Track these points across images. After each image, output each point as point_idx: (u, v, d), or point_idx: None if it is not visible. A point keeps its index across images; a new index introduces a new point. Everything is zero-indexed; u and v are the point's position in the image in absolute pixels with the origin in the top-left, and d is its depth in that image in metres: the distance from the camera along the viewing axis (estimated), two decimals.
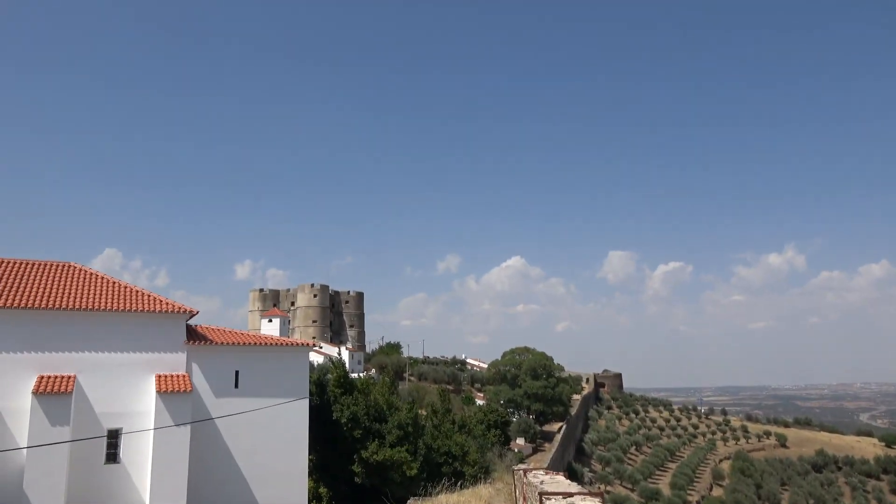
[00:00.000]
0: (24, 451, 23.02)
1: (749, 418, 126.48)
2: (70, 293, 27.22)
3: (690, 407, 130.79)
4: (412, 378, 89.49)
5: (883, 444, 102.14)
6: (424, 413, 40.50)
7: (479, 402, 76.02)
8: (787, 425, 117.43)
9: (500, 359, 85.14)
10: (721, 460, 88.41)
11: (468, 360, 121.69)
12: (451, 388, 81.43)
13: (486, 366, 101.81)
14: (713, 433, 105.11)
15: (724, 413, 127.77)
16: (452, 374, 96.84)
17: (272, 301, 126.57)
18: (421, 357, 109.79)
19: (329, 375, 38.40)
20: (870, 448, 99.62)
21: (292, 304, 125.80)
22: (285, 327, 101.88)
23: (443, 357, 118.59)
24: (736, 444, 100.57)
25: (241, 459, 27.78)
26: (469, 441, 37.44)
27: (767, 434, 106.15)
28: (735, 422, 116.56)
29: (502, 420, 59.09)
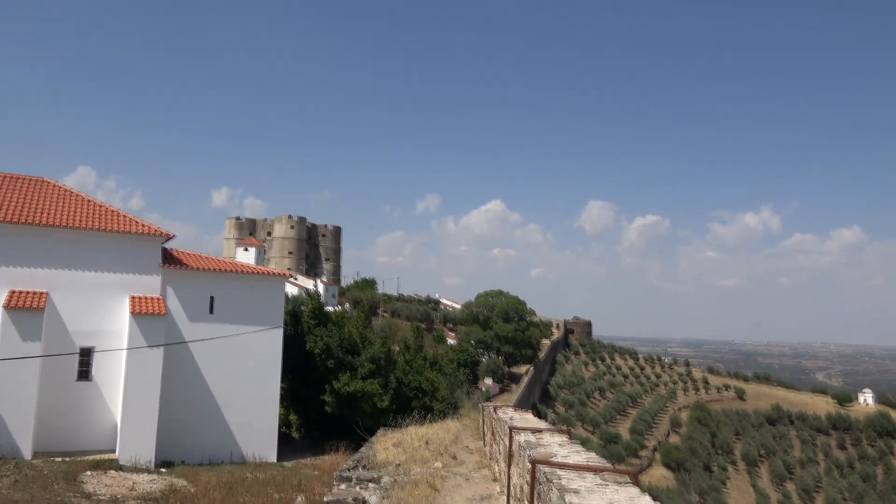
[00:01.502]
0: None
1: (710, 371, 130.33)
2: (44, 209, 26.70)
3: (655, 357, 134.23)
4: (386, 314, 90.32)
5: (835, 401, 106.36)
6: (397, 349, 41.04)
7: (451, 341, 77.22)
8: (746, 380, 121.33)
9: (473, 300, 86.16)
10: (680, 409, 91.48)
11: (442, 300, 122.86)
12: (423, 326, 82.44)
13: (459, 306, 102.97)
14: (675, 383, 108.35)
15: (687, 364, 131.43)
16: (426, 312, 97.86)
17: (248, 230, 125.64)
18: (395, 294, 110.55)
19: (303, 307, 38.56)
20: (822, 405, 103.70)
21: (269, 234, 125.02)
22: (261, 257, 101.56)
23: (417, 296, 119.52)
24: (696, 394, 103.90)
25: (214, 384, 28.05)
26: (439, 378, 38.13)
27: (727, 387, 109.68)
28: (697, 373, 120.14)
29: (472, 360, 60.21)
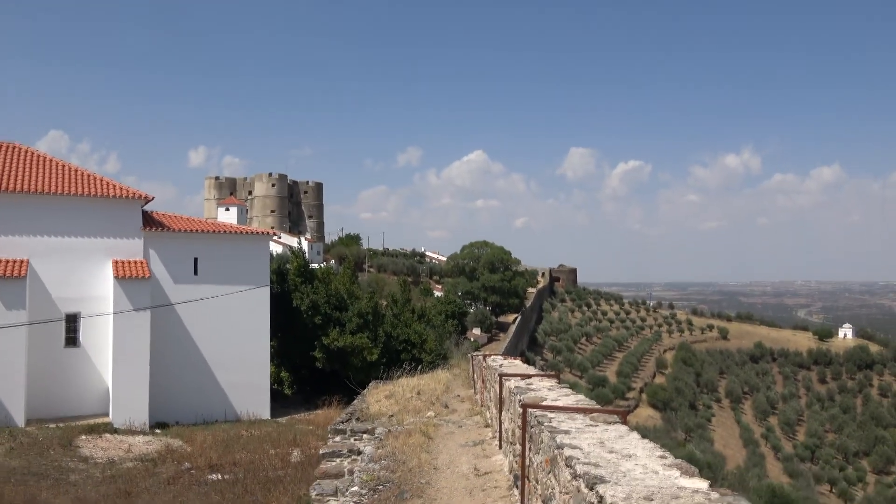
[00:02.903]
0: None
1: (694, 312, 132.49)
2: (18, 175, 26.16)
3: (640, 301, 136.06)
4: (372, 270, 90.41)
5: (816, 337, 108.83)
6: (384, 303, 41.22)
7: (438, 293, 77.66)
8: (729, 319, 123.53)
9: (459, 252, 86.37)
10: (665, 351, 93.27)
11: (428, 254, 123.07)
12: (410, 280, 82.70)
13: (445, 259, 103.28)
14: (660, 326, 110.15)
15: (672, 307, 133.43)
16: (412, 266, 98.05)
17: (229, 189, 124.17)
18: (381, 249, 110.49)
19: (289, 265, 38.45)
20: (804, 341, 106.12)
21: (249, 193, 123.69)
22: (243, 216, 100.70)
23: (402, 250, 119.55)
24: (680, 336, 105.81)
25: (203, 345, 28.12)
26: (427, 330, 38.45)
27: (710, 327, 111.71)
28: (681, 315, 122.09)
29: (460, 311, 60.70)
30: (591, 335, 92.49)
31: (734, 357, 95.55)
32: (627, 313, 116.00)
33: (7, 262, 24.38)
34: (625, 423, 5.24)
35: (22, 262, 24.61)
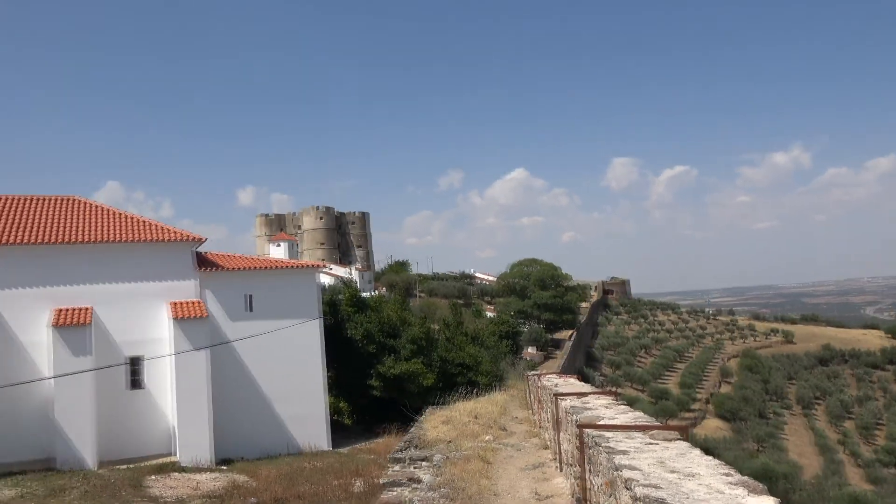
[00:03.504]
0: (51, 381, 23.70)
1: (756, 317, 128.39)
2: (78, 227, 27.27)
3: (698, 309, 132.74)
4: (422, 294, 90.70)
5: (889, 335, 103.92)
6: (437, 327, 41.23)
7: (490, 314, 77.27)
8: (793, 322, 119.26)
9: (507, 271, 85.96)
10: (728, 359, 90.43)
11: (477, 275, 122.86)
12: (461, 302, 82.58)
13: (494, 279, 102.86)
14: (720, 333, 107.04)
15: (732, 313, 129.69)
16: (462, 288, 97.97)
17: (278, 226, 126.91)
18: (430, 274, 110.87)
19: (340, 295, 38.89)
20: (875, 340, 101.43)
21: (298, 227, 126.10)
22: (293, 251, 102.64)
23: (451, 273, 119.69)
24: (743, 342, 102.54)
25: (262, 380, 28.56)
26: (482, 352, 38.23)
27: (774, 331, 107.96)
28: (742, 321, 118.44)
29: (513, 331, 60.14)
30: (650, 347, 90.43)
31: (802, 361, 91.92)
32: (686, 322, 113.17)
33: (72, 310, 25.33)
34: (685, 439, 5.05)
35: (86, 309, 25.54)
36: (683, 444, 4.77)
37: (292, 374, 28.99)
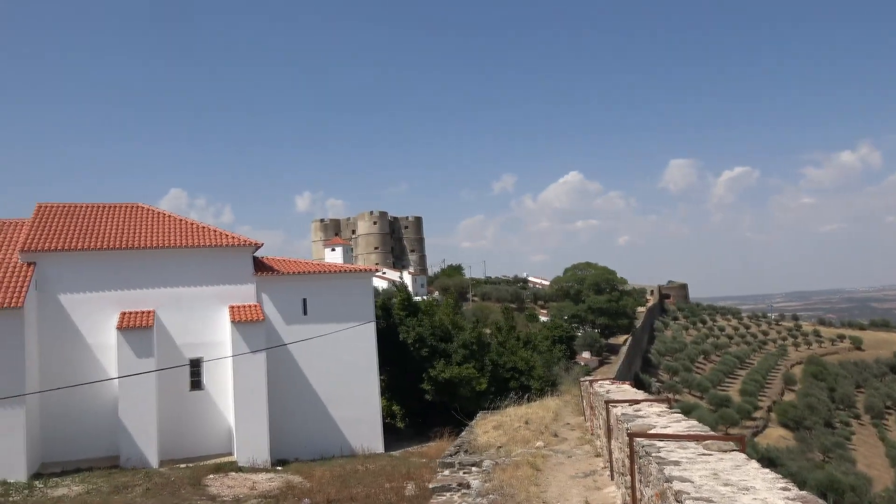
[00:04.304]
0: (116, 381, 24.61)
1: (822, 322, 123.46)
2: (142, 233, 28.28)
3: (760, 314, 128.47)
4: (475, 298, 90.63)
5: None
6: (489, 331, 41.09)
7: (543, 318, 76.61)
8: (862, 328, 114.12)
9: (562, 275, 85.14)
10: (792, 366, 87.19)
11: (530, 279, 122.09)
12: (514, 306, 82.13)
13: (548, 283, 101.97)
14: (784, 339, 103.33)
15: (796, 318, 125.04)
16: (515, 292, 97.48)
17: (333, 230, 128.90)
18: (483, 278, 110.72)
19: (393, 299, 39.19)
20: None
21: (353, 232, 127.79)
22: (348, 255, 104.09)
23: (505, 277, 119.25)
24: (808, 349, 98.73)
25: (317, 383, 29.00)
26: (535, 356, 37.92)
27: (841, 337, 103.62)
28: (807, 327, 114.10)
29: (567, 335, 59.41)
30: (709, 353, 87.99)
31: (871, 368, 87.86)
32: (747, 328, 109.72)
33: (136, 313, 26.27)
34: (742, 450, 4.85)
35: (149, 312, 26.45)
36: (740, 456, 4.58)
37: (346, 377, 29.34)
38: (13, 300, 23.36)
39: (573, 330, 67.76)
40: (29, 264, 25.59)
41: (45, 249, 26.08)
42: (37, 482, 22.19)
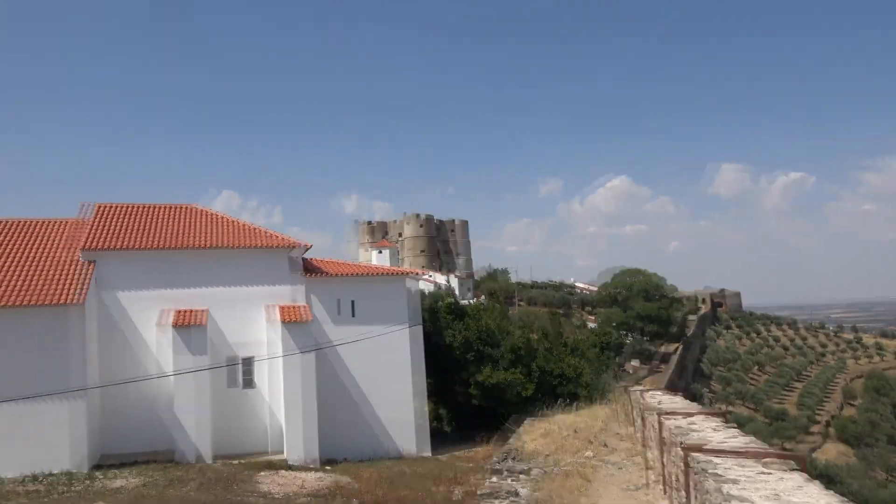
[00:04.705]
0: (171, 378, 25.32)
1: (884, 335, 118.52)
2: (195, 233, 29.07)
3: (817, 324, 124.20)
4: (521, 303, 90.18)
5: None
6: (536, 337, 40.83)
7: (591, 325, 75.73)
8: None
9: (610, 281, 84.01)
10: (852, 379, 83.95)
11: (577, 284, 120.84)
12: (561, 312, 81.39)
13: (595, 289, 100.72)
14: (843, 351, 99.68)
15: (856, 330, 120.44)
16: (562, 298, 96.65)
17: (380, 233, 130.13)
18: (529, 282, 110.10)
19: (440, 303, 39.30)
20: None
21: (399, 234, 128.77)
22: (395, 258, 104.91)
23: (551, 281, 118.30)
24: (869, 362, 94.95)
25: (364, 383, 29.27)
26: (582, 363, 37.50)
27: None
28: (868, 339, 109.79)
29: (615, 342, 58.65)
30: (764, 364, 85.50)
31: None
32: (804, 339, 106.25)
33: (190, 311, 26.99)
34: (804, 469, 4.68)
35: (203, 311, 27.14)
36: (801, 476, 4.42)
37: (393, 379, 29.53)
38: (76, 297, 24.29)
39: (622, 337, 66.80)
40: (90, 262, 26.57)
41: (104, 248, 27.04)
42: (97, 473, 22.98)
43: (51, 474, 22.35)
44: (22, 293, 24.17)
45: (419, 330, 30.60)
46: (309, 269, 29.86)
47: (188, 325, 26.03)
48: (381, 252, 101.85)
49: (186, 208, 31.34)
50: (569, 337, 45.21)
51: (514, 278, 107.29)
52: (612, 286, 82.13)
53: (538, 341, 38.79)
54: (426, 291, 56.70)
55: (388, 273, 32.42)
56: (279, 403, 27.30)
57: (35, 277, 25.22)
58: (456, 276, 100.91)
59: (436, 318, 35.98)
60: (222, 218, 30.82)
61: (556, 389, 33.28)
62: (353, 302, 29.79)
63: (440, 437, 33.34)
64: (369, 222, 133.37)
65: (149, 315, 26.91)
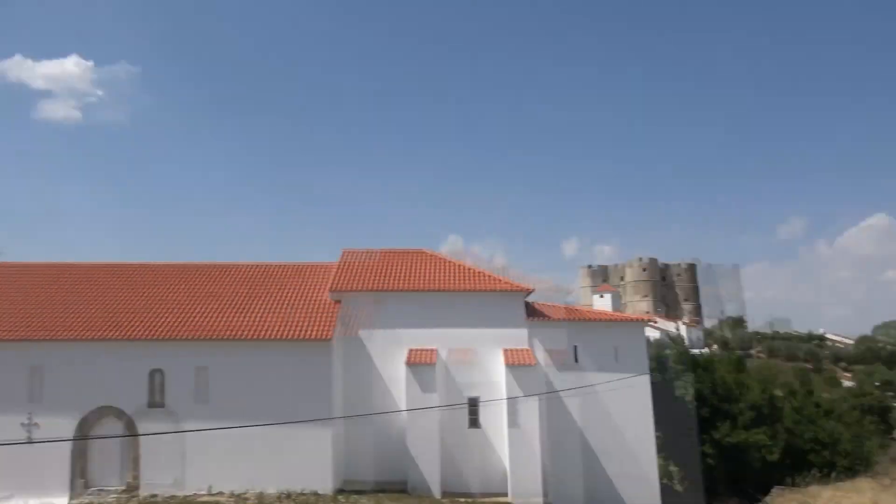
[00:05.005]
0: (405, 413, 26.81)
1: None
2: (426, 276, 30.85)
3: None
4: (760, 355, 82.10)
5: None
6: (780, 394, 36.70)
7: (847, 383, 66.42)
8: None
9: (871, 334, 73.32)
10: None
11: (828, 336, 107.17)
12: (809, 366, 72.57)
13: (852, 342, 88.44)
14: None
15: None
16: (809, 350, 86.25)
17: (601, 277, 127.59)
18: (768, 332, 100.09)
19: (667, 351, 37.17)
20: None
21: (621, 279, 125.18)
22: (617, 302, 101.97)
23: (795, 332, 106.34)
24: None
25: (588, 432, 28.45)
26: (839, 428, 32.81)
27: None
28: None
29: (880, 405, 50.66)
30: None
31: None
32: None
33: (421, 351, 28.47)
34: None
35: (432, 350, 28.48)
36: None
37: (619, 431, 28.33)
38: (324, 333, 26.93)
39: (888, 399, 57.53)
40: (336, 302, 29.37)
41: (348, 290, 29.74)
42: (339, 496, 24.96)
43: (301, 493, 24.69)
44: (281, 328, 27.36)
45: (647, 380, 29.12)
46: (532, 312, 30.05)
47: (420, 364, 27.46)
48: (601, 296, 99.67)
49: (420, 253, 33.47)
50: (820, 396, 39.98)
51: (750, 327, 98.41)
52: (874, 339, 71.53)
53: (784, 400, 34.83)
54: (651, 339, 54.06)
55: (612, 319, 31.46)
56: (504, 445, 27.51)
57: (292, 315, 28.44)
58: (683, 323, 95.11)
59: (664, 368, 34.05)
60: (451, 262, 32.36)
61: (808, 455, 29.47)
62: (575, 347, 29.31)
63: (670, 497, 31.12)
64: (590, 266, 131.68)
65: (386, 352, 28.87)
